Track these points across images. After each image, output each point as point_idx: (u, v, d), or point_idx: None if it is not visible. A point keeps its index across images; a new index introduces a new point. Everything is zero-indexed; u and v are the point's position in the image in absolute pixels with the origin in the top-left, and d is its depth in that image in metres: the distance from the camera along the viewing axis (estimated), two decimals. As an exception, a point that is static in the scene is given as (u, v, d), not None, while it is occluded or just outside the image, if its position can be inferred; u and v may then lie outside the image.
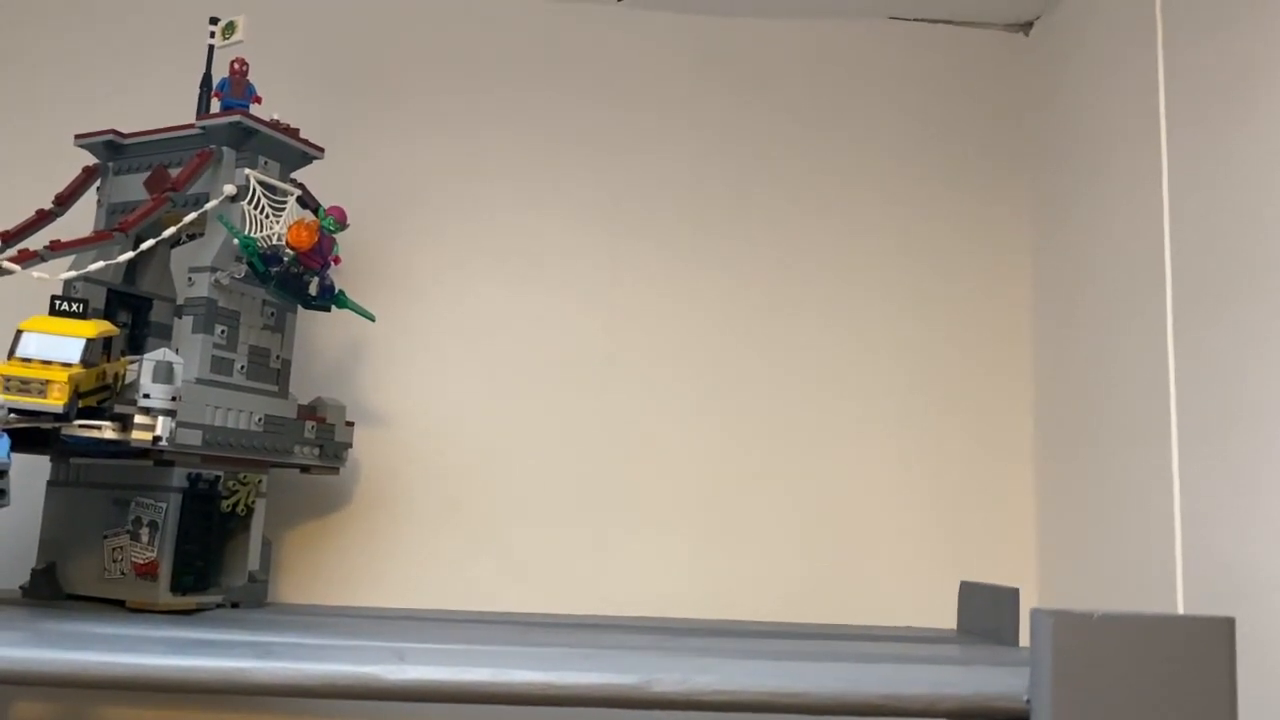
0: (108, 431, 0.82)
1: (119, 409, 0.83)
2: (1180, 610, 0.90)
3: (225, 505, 0.97)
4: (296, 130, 1.04)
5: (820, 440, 1.22)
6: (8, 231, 0.97)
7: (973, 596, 1.04)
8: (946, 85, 1.30)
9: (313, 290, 0.99)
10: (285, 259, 0.95)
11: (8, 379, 0.76)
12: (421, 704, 0.65)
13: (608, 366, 1.22)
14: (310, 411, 1.06)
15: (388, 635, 0.82)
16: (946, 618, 1.07)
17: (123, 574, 0.94)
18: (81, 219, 1.04)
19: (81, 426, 0.82)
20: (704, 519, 1.19)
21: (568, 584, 1.16)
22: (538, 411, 1.20)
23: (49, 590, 0.97)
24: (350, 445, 1.10)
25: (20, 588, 0.98)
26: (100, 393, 0.86)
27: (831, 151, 1.28)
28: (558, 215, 1.24)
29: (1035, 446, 1.23)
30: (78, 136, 1.05)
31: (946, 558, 1.19)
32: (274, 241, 0.96)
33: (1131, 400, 1.03)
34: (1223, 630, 0.62)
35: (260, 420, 0.99)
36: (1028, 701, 0.63)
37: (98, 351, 0.84)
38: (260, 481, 1.01)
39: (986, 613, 1.00)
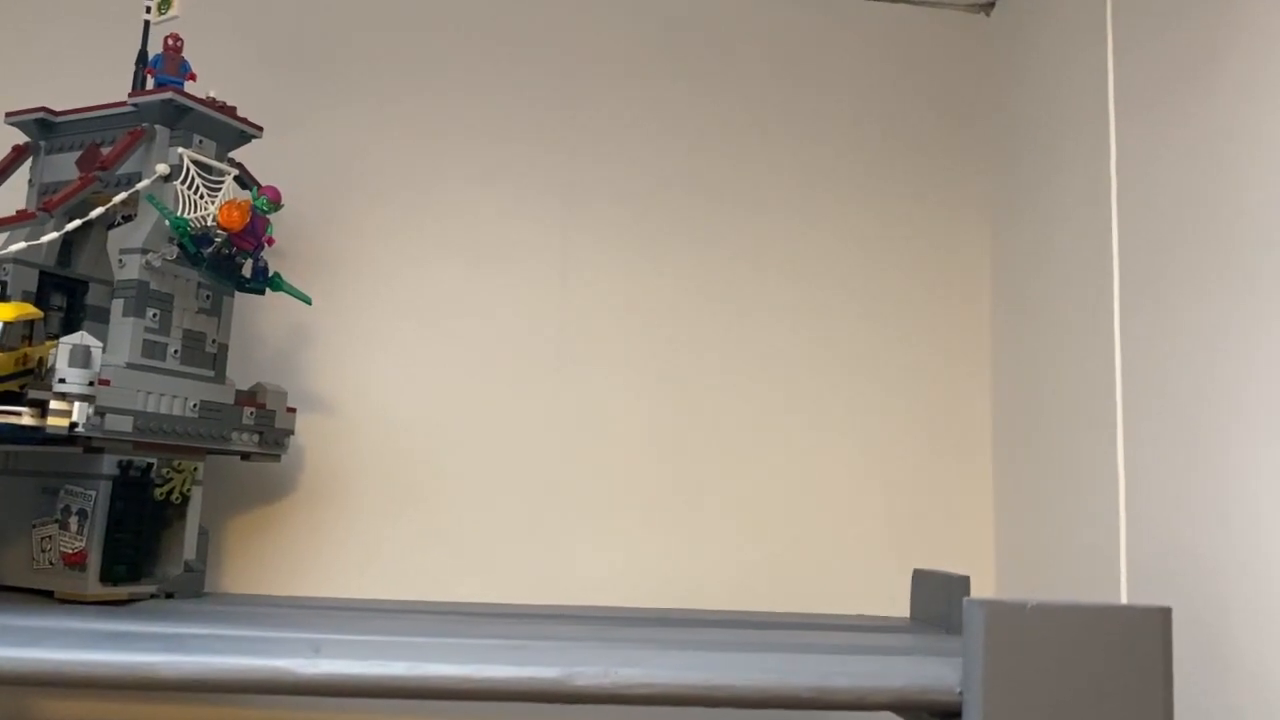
0: (26, 418, 0.80)
1: (34, 394, 0.81)
2: (1124, 598, 0.89)
3: (159, 493, 0.95)
4: (233, 109, 1.01)
5: (776, 430, 1.20)
6: (-67, 212, 0.94)
7: (925, 584, 1.03)
8: (906, 68, 1.28)
9: (246, 272, 0.96)
10: (217, 240, 0.92)
11: (-84, 363, 0.74)
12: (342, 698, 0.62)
13: (559, 353, 1.20)
14: (250, 397, 1.04)
15: (312, 627, 0.80)
16: (904, 607, 1.06)
17: (51, 564, 0.91)
18: (15, 199, 1.01)
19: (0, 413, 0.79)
20: (657, 508, 1.18)
21: (516, 573, 1.14)
22: (486, 397, 1.18)
23: (-24, 580, 0.95)
24: (292, 432, 1.07)
25: (-53, 578, 0.96)
26: (22, 377, 0.83)
27: (789, 139, 1.26)
28: (508, 197, 1.22)
29: (992, 436, 1.22)
30: (8, 114, 1.02)
31: (905, 547, 1.18)
32: (206, 222, 0.93)
33: (1080, 391, 1.01)
34: (1158, 620, 0.61)
35: (195, 406, 0.96)
36: (960, 693, 0.62)
37: (17, 335, 0.81)
38: (196, 469, 0.98)
39: (938, 601, 0.98)
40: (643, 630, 0.85)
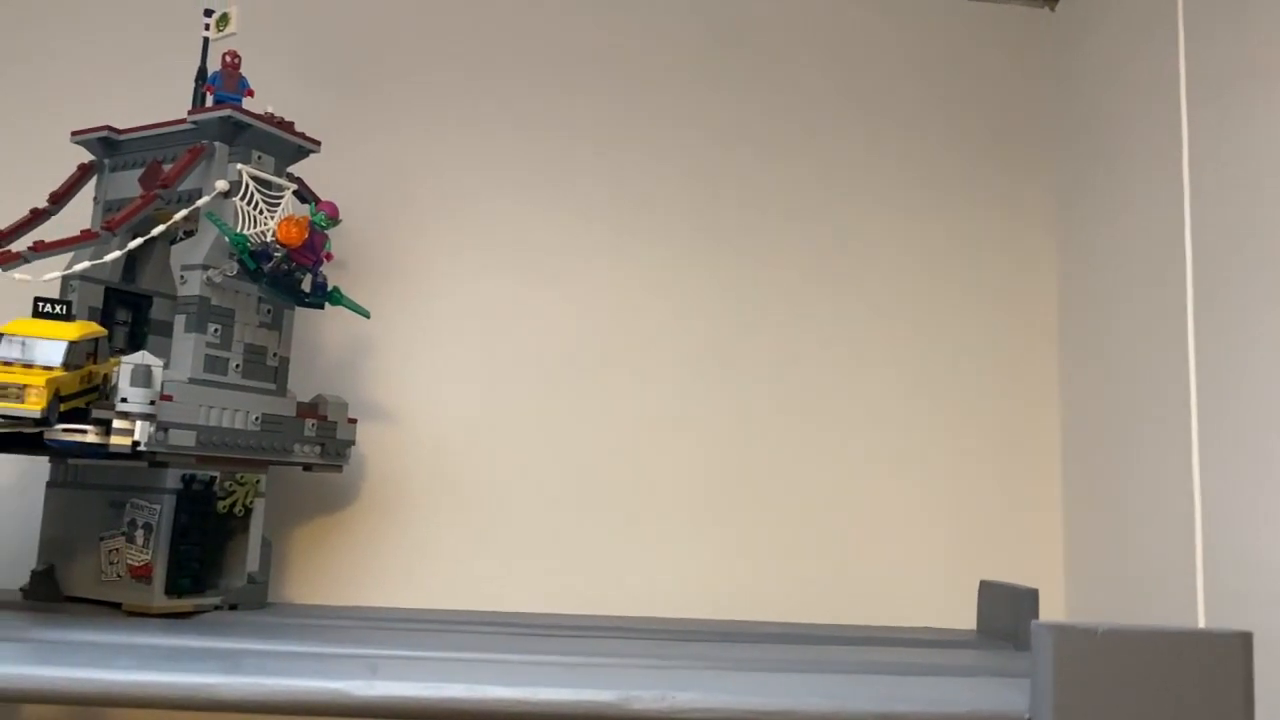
0: (90, 435, 0.81)
1: (98, 413, 0.82)
2: (1201, 615, 0.86)
3: (222, 506, 0.96)
4: (291, 124, 1.02)
5: (838, 438, 1.18)
6: (1, 231, 0.96)
7: (992, 597, 1.01)
8: (969, 63, 1.25)
9: (305, 287, 0.97)
10: (276, 256, 0.93)
11: (-14, 384, 0.75)
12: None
13: (613, 361, 1.19)
14: (311, 409, 1.04)
15: (370, 642, 0.80)
16: (970, 618, 1.03)
17: (119, 576, 0.93)
18: (81, 215, 1.03)
19: (64, 430, 0.80)
20: (717, 518, 1.16)
21: (571, 583, 1.14)
22: (541, 406, 1.18)
23: (47, 592, 0.97)
24: (353, 443, 1.08)
25: (20, 589, 0.98)
26: (89, 394, 0.85)
27: (847, 138, 1.24)
28: (559, 209, 1.22)
29: (1061, 443, 1.18)
30: (73, 134, 1.04)
31: (971, 557, 1.15)
32: (266, 238, 0.94)
33: (1153, 399, 0.98)
34: (1238, 646, 0.58)
35: (257, 419, 0.97)
36: (1028, 720, 0.60)
37: (81, 354, 0.83)
38: (259, 481, 0.99)
39: (1005, 614, 0.96)
40: (700, 648, 0.84)
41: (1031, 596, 0.93)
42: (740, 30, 1.25)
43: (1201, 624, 0.86)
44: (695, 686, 0.61)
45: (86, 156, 1.05)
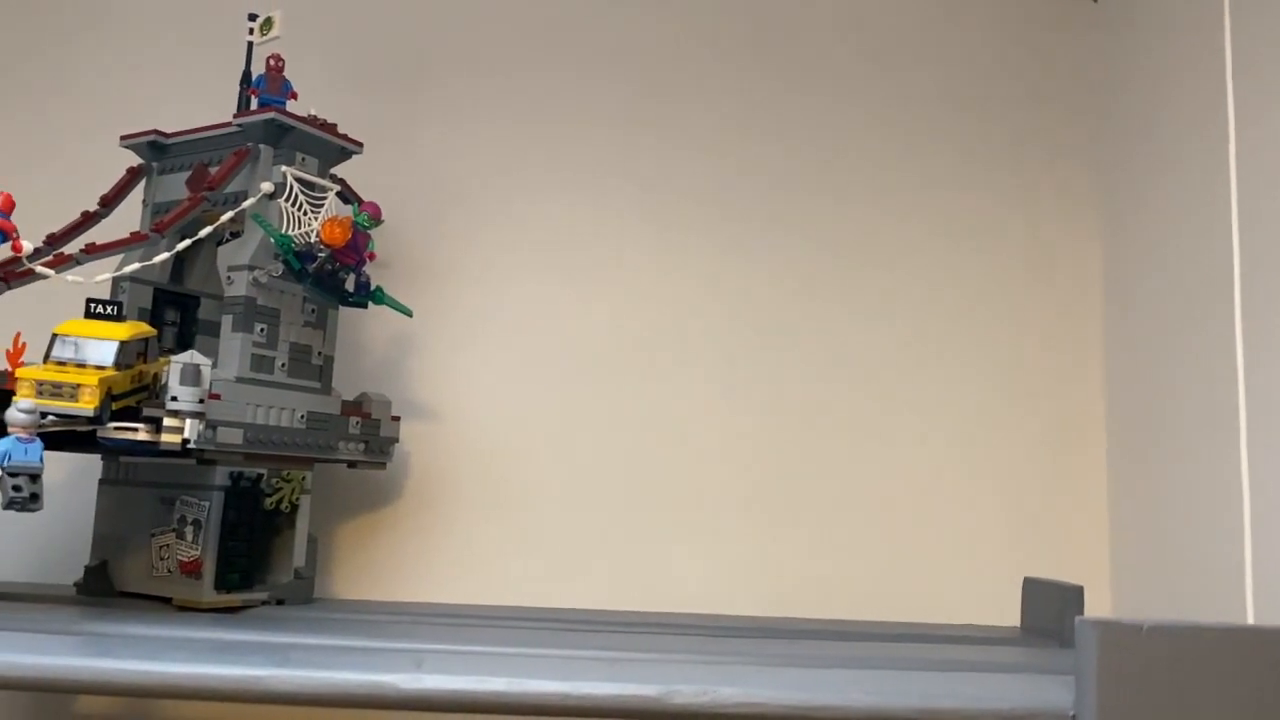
0: (141, 434, 0.83)
1: (149, 412, 0.84)
2: (1250, 611, 0.85)
3: (269, 503, 0.97)
4: (334, 125, 1.03)
5: (878, 432, 1.18)
6: (54, 234, 0.98)
7: (1037, 593, 1.00)
8: (1009, 58, 1.24)
9: (349, 287, 0.98)
10: (320, 256, 0.94)
11: (41, 383, 0.77)
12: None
13: (655, 358, 1.19)
14: (355, 407, 1.06)
15: (415, 637, 0.81)
16: (1013, 615, 1.02)
17: (169, 572, 0.95)
18: (130, 217, 1.05)
19: (116, 429, 0.82)
20: (758, 515, 1.16)
21: (613, 579, 1.14)
22: (583, 401, 1.18)
23: (101, 587, 0.99)
24: (396, 440, 1.09)
25: (75, 584, 1.00)
26: (139, 393, 0.86)
27: (886, 132, 1.23)
28: (600, 207, 1.22)
29: (1107, 437, 1.17)
30: (122, 138, 1.06)
31: (1015, 553, 1.14)
32: (310, 239, 0.95)
33: (1200, 391, 0.97)
34: (1289, 643, 0.57)
35: (303, 417, 0.98)
36: (1073, 717, 0.59)
37: (132, 354, 0.84)
38: (304, 478, 1.01)
39: (1050, 611, 0.95)
40: (741, 643, 0.84)
41: (1076, 593, 0.92)
42: (777, 24, 1.25)
43: (1250, 621, 0.85)
44: (737, 682, 0.61)
45: (136, 160, 1.07)
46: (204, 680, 0.62)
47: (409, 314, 1.03)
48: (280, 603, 0.98)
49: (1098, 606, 1.08)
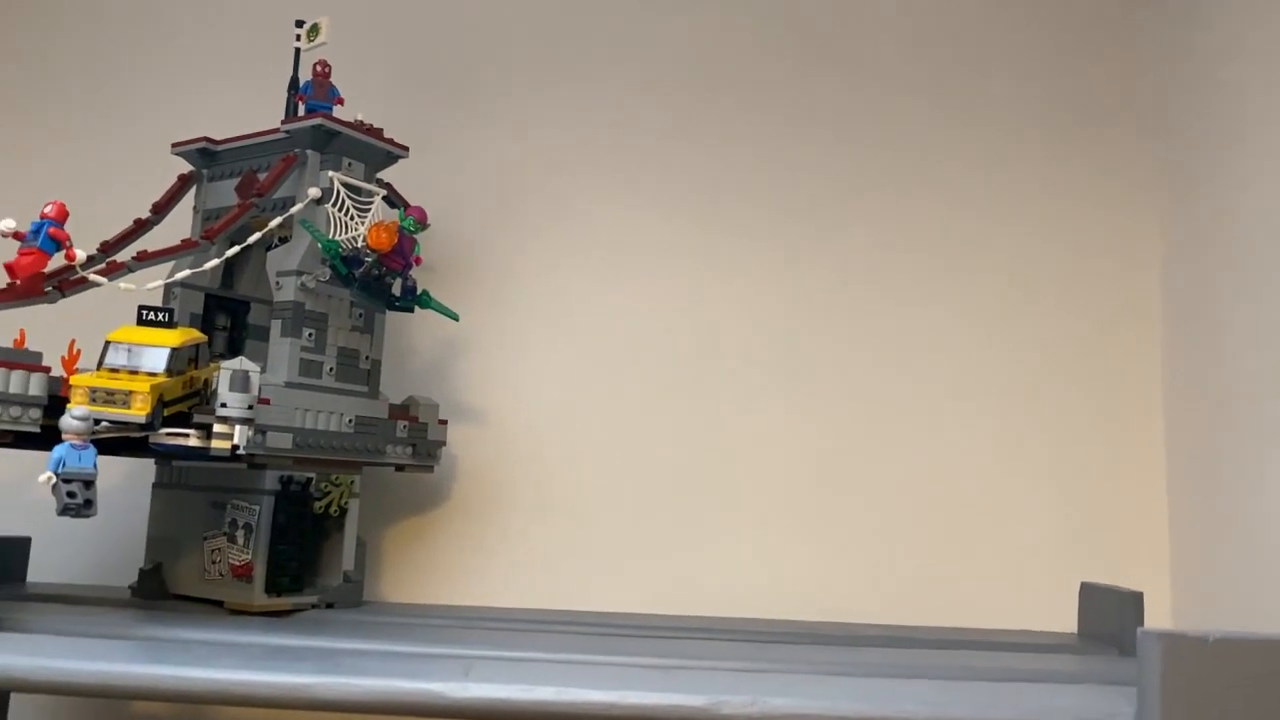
0: (192, 439, 0.83)
1: (199, 418, 0.84)
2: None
3: (318, 506, 0.98)
4: (380, 130, 1.03)
5: (930, 434, 1.16)
6: (107, 242, 0.99)
7: (1094, 599, 0.98)
8: (1067, 45, 1.21)
9: (395, 291, 0.98)
10: (367, 261, 0.95)
11: (94, 390, 0.78)
12: None
13: (704, 357, 1.18)
14: (403, 411, 1.06)
15: (463, 643, 0.81)
16: (1068, 621, 1.00)
17: (221, 575, 0.96)
18: (181, 222, 1.06)
19: (168, 434, 0.83)
20: (806, 516, 1.15)
21: (662, 582, 1.13)
22: (631, 404, 1.18)
23: (155, 590, 1.00)
24: (444, 443, 1.09)
25: (130, 587, 1.02)
26: (191, 399, 0.87)
27: (941, 129, 1.21)
28: (648, 208, 1.21)
29: (1166, 438, 1.14)
30: (173, 145, 1.07)
31: (1070, 557, 1.12)
32: (357, 244, 0.96)
33: (1265, 390, 0.94)
34: (1363, 657, 0.55)
35: (351, 421, 0.99)
36: (1136, 731, 0.58)
37: (184, 360, 0.85)
38: (353, 482, 1.01)
39: (1108, 618, 0.93)
40: (790, 650, 0.83)
41: (1136, 600, 0.90)
42: (825, 21, 1.24)
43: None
44: (786, 692, 0.60)
45: (187, 167, 1.08)
46: (253, 687, 0.62)
47: (455, 318, 1.03)
48: (330, 606, 0.99)
49: (1158, 613, 1.06)
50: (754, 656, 0.79)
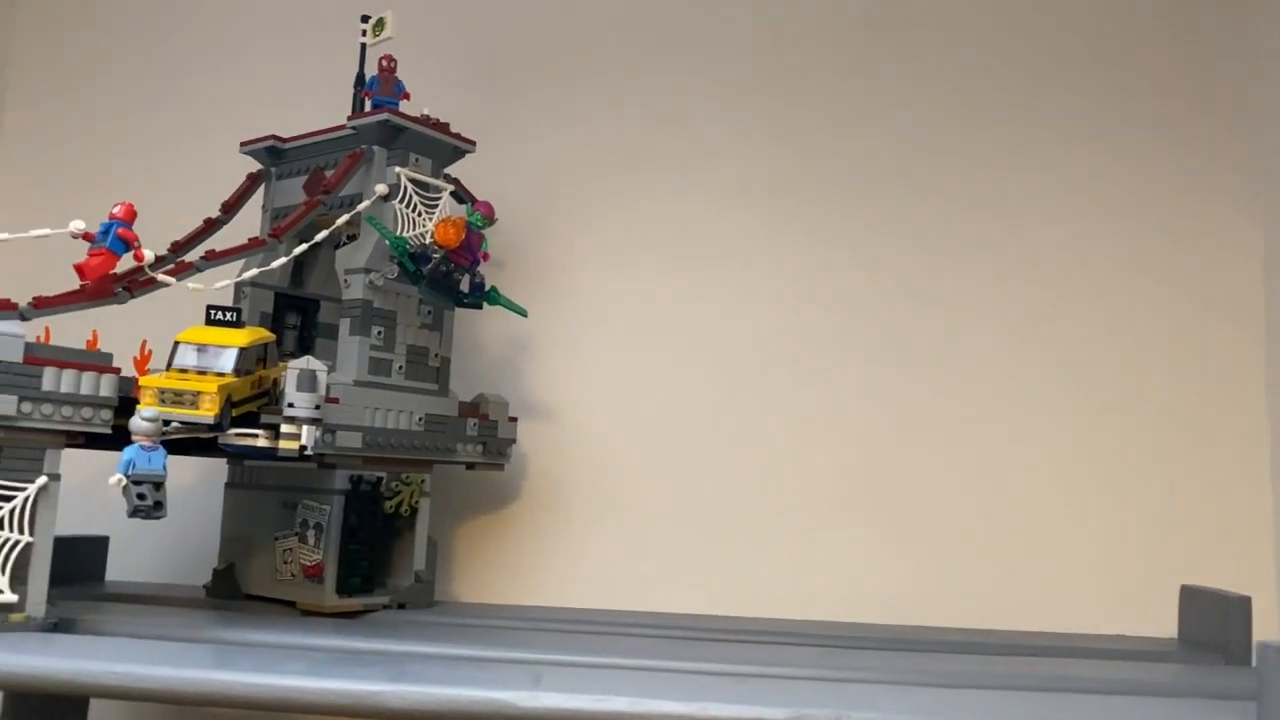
0: (260, 440, 0.83)
1: (267, 418, 0.84)
2: None
3: (389, 506, 0.97)
4: (446, 125, 1.02)
5: (1015, 428, 1.10)
6: (178, 242, 0.99)
7: (1196, 603, 0.93)
8: (1158, 25, 1.15)
9: (463, 287, 0.97)
10: (434, 257, 0.93)
11: (163, 391, 0.77)
12: (562, 728, 0.60)
13: (773, 358, 1.15)
14: (473, 408, 1.05)
15: (534, 646, 0.79)
16: (1166, 625, 0.95)
17: (293, 575, 0.95)
18: (253, 225, 1.06)
19: (236, 435, 0.82)
20: (876, 514, 1.10)
21: (730, 584, 1.10)
22: (701, 401, 1.15)
23: (228, 590, 1.00)
24: (514, 441, 1.08)
25: (204, 586, 1.02)
26: (260, 399, 0.86)
27: (1022, 119, 1.15)
28: (717, 203, 1.18)
29: (1270, 429, 1.08)
30: (242, 144, 1.07)
31: (1165, 556, 1.06)
32: (424, 240, 0.94)
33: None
34: None
35: (421, 420, 0.98)
36: (1255, 753, 0.53)
37: (252, 359, 0.85)
38: (423, 481, 1.00)
39: (1213, 623, 0.88)
40: (871, 658, 0.80)
41: (1242, 604, 0.85)
42: (897, 9, 1.19)
43: None
44: (871, 704, 0.57)
45: (256, 166, 1.08)
46: (320, 695, 0.61)
47: (523, 314, 1.01)
48: (401, 607, 0.98)
49: (1266, 619, 1.00)
50: (832, 664, 0.76)
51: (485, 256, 0.98)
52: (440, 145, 1.02)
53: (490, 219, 0.96)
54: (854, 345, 1.14)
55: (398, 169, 0.97)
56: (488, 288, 0.99)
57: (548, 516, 1.15)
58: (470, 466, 1.06)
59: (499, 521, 1.16)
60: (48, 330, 0.79)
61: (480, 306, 1.00)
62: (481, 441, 1.04)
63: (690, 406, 1.15)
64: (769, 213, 1.17)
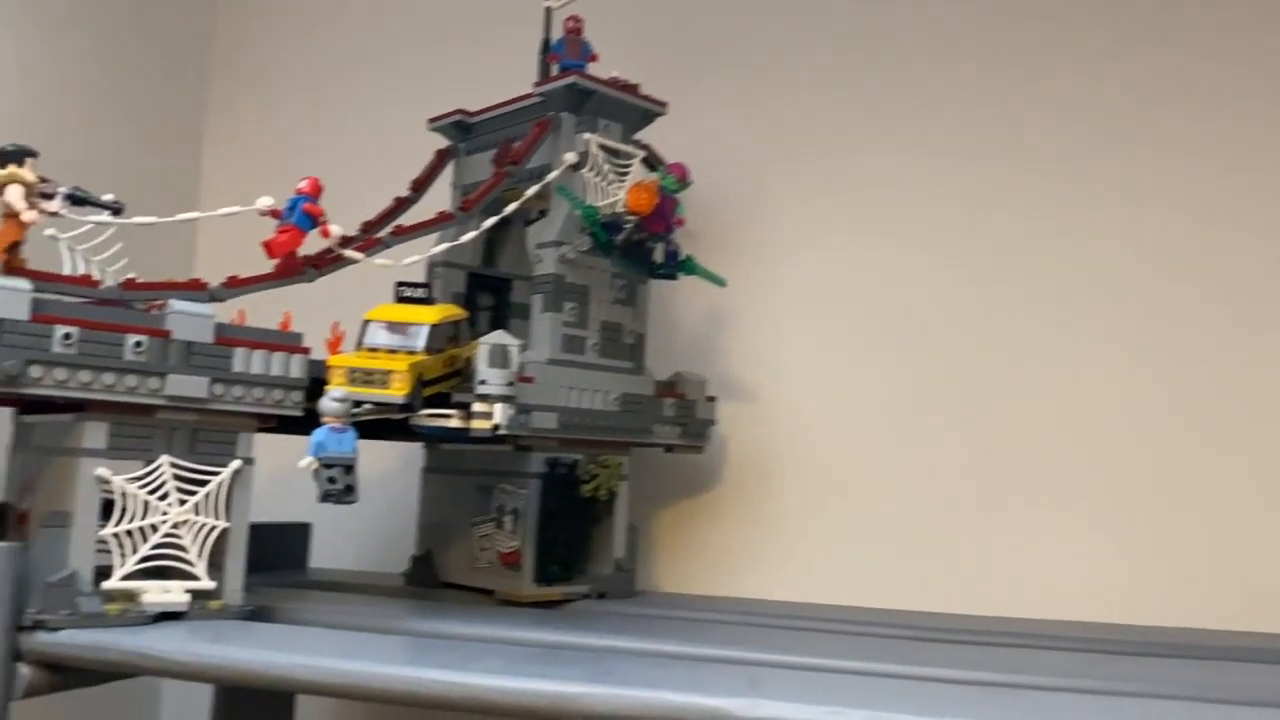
0: (453, 420, 0.79)
1: (458, 397, 0.80)
2: None
3: (586, 490, 0.92)
4: (636, 86, 0.96)
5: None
6: (369, 221, 0.97)
7: None
8: None
9: (658, 257, 0.91)
10: (627, 226, 0.87)
11: (353, 371, 0.75)
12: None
13: (996, 333, 1.02)
14: (669, 388, 0.99)
15: (745, 643, 0.72)
16: None
17: (490, 563, 0.92)
18: (443, 204, 1.03)
19: (429, 415, 0.79)
20: (1145, 505, 0.95)
21: (963, 578, 0.98)
22: (916, 382, 1.04)
23: (426, 578, 0.98)
24: (713, 422, 1.01)
25: (403, 574, 1.00)
26: (451, 378, 0.83)
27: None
28: (927, 164, 1.06)
29: None
30: (430, 121, 1.04)
31: None
32: (616, 209, 0.88)
33: None
34: None
35: (617, 399, 0.92)
36: None
37: (443, 337, 0.81)
38: (621, 464, 0.95)
39: None
40: (1142, 666, 0.68)
41: None
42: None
43: None
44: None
45: (445, 143, 1.05)
46: (519, 696, 0.55)
47: (722, 283, 0.94)
48: (601, 596, 0.93)
49: None
50: (1097, 673, 0.65)
51: (680, 222, 0.91)
52: (630, 109, 0.96)
53: (684, 181, 0.89)
54: (1089, 323, 0.99)
55: (586, 135, 0.91)
56: (683, 256, 0.92)
57: (750, 502, 1.08)
58: (668, 449, 1.00)
59: (698, 507, 1.09)
60: (242, 313, 0.78)
61: (675, 277, 0.93)
62: (680, 422, 0.98)
63: (902, 384, 1.05)
64: (990, 179, 1.04)
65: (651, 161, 0.98)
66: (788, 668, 0.65)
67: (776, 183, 1.11)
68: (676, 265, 0.92)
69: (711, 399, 1.01)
